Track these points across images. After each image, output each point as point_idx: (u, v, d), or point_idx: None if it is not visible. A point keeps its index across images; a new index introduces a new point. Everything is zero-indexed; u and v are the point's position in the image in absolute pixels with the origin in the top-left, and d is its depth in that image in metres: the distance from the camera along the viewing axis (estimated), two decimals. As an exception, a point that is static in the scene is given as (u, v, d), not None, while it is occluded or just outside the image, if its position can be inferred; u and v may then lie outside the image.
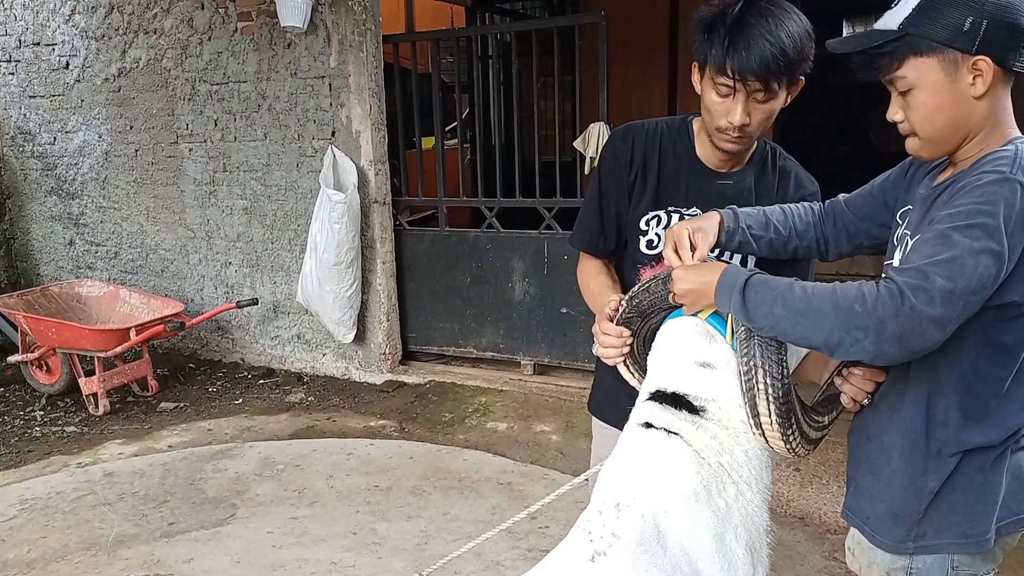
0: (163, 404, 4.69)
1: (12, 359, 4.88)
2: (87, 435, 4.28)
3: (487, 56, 7.57)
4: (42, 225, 6.13)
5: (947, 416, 1.32)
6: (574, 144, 4.27)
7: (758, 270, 1.36)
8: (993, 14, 1.20)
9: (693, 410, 1.39)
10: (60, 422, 4.47)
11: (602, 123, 4.17)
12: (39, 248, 6.21)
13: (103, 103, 5.52)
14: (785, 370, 1.36)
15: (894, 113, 1.33)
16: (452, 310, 4.84)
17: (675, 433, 1.36)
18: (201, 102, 5.10)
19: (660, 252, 1.76)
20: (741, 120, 1.56)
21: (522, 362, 4.70)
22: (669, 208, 1.78)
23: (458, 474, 3.60)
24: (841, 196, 1.64)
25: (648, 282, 1.53)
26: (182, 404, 4.70)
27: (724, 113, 1.58)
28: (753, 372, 1.35)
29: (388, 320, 4.82)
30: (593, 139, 4.09)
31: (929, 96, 1.26)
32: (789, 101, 1.62)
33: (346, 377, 4.98)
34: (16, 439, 4.24)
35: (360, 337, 4.82)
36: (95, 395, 4.54)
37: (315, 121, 4.70)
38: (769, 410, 1.34)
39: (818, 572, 2.78)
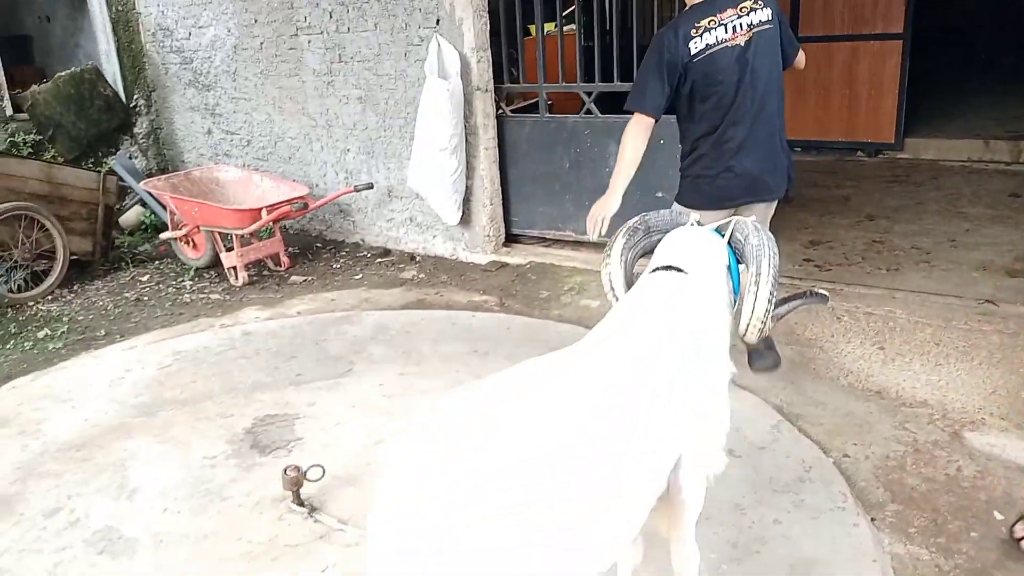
0: (293, 278, 5.21)
1: (163, 236, 5.50)
2: (228, 302, 4.85)
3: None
4: (183, 116, 6.70)
5: None
6: None
7: None
8: None
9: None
10: (206, 291, 5.07)
11: None
12: (182, 137, 6.80)
13: (230, -2, 5.89)
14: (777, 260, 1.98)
15: None
16: (552, 195, 5.03)
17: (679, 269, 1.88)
18: (317, -6, 5.36)
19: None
20: None
21: (618, 244, 4.86)
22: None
23: (550, 344, 3.85)
24: None
25: (664, 213, 2.22)
26: (310, 278, 5.20)
27: None
28: (758, 252, 1.97)
29: (491, 204, 5.07)
30: None
31: None
32: None
33: (454, 257, 5.32)
34: (169, 304, 4.86)
35: (466, 220, 5.12)
36: (235, 268, 5.10)
37: (420, 9, 4.87)
38: (767, 277, 1.94)
39: (885, 439, 2.90)
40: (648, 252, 2.12)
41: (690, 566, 1.79)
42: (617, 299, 2.09)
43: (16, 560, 2.52)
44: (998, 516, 2.46)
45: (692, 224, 2.12)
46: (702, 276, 1.90)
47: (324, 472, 2.72)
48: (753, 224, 2.08)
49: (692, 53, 2.84)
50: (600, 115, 4.70)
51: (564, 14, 5.28)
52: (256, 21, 5.82)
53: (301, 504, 2.68)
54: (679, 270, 1.89)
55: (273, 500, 2.74)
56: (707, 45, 2.83)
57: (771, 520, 2.47)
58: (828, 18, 7.15)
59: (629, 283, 2.10)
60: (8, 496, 2.87)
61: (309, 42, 5.55)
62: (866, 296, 3.93)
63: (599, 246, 5.00)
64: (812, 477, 2.68)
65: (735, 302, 2.03)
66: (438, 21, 4.83)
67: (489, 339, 4.00)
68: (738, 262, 2.05)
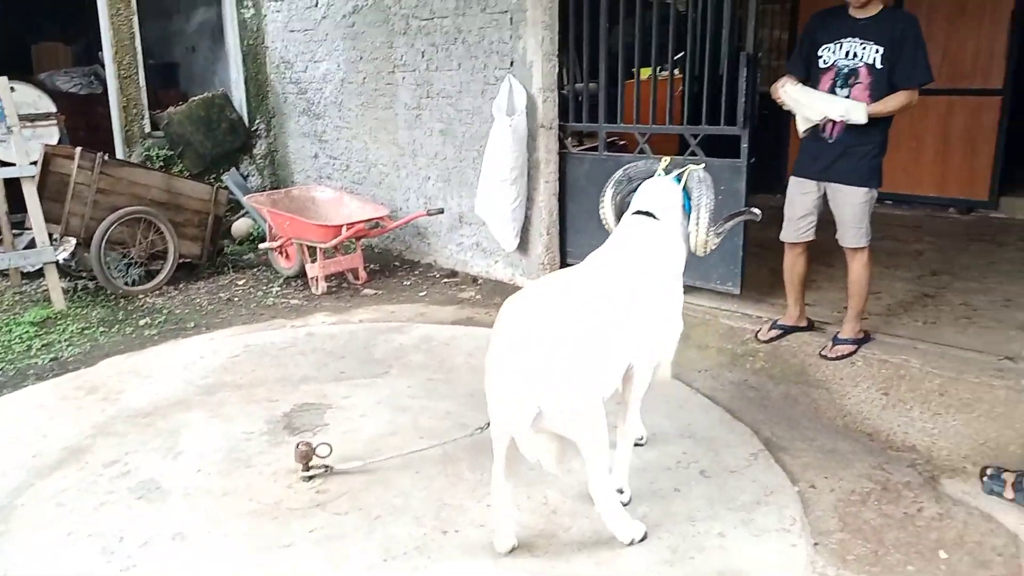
0: (366, 291, 5.70)
1: (262, 246, 6.16)
2: (304, 307, 5.38)
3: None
4: (296, 140, 7.43)
5: None
6: None
7: None
8: None
9: (655, 218, 2.81)
10: (288, 296, 5.64)
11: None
12: (293, 159, 7.54)
13: (341, 36, 6.56)
14: (713, 203, 2.83)
15: None
16: (605, 228, 5.26)
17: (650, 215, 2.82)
18: (413, 36, 5.91)
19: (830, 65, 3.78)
20: None
21: (665, 280, 5.05)
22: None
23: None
24: None
25: (640, 164, 3.08)
26: (380, 291, 5.68)
27: None
28: (699, 200, 2.82)
29: (548, 234, 5.39)
30: None
31: None
32: None
33: (512, 282, 5.66)
34: (255, 305, 5.46)
35: (523, 248, 5.45)
36: (316, 278, 5.65)
37: (497, 52, 5.30)
38: (704, 218, 2.81)
39: (857, 476, 2.97)
40: (632, 192, 2.98)
41: (632, 430, 2.84)
42: (610, 227, 3.06)
43: (73, 497, 3.02)
44: (943, 555, 2.51)
45: (660, 173, 2.95)
46: (667, 218, 2.80)
47: (331, 450, 3.10)
48: (697, 175, 2.88)
49: None
50: (652, 155, 4.93)
51: (676, 57, 5.46)
52: (361, 58, 6.45)
53: (309, 470, 3.06)
54: (652, 215, 2.79)
55: (287, 471, 3.13)
56: None
57: (716, 533, 2.63)
58: (923, 71, 7.05)
59: (618, 217, 3.00)
60: (81, 448, 3.41)
61: (403, 79, 6.11)
62: (886, 344, 3.94)
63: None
64: (769, 501, 2.80)
65: (687, 229, 2.88)
66: (512, 63, 5.24)
67: (520, 356, 4.28)
68: (688, 198, 2.89)
